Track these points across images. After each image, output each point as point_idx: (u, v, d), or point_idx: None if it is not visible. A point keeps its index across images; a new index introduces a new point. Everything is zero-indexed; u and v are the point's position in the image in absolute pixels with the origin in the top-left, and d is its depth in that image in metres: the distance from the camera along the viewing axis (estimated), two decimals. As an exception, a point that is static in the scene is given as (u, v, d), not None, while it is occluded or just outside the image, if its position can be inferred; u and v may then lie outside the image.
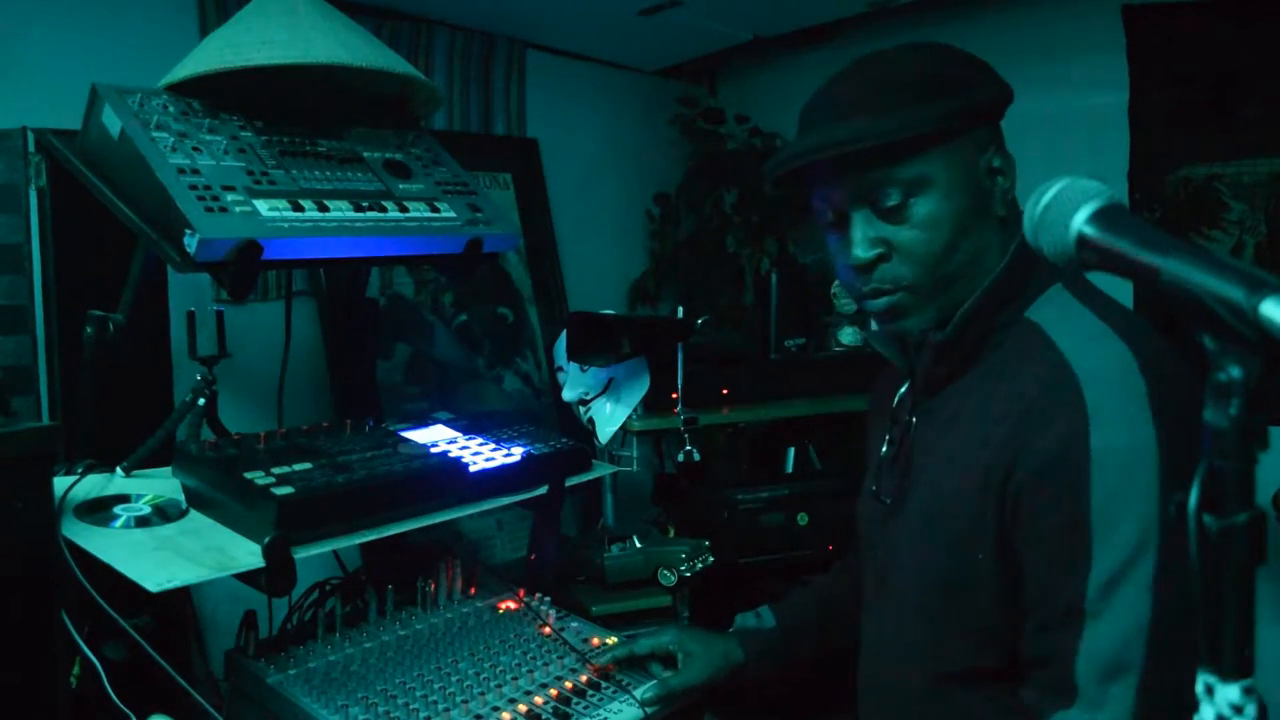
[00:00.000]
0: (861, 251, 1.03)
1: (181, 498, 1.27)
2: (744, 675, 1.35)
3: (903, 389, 1.16)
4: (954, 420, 1.05)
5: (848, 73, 1.07)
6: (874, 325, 1.14)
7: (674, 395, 1.98)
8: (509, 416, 1.76)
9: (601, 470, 1.63)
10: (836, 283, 2.20)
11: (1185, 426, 0.87)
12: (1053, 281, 1.03)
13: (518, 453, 1.44)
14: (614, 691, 1.31)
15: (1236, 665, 0.50)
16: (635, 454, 2.07)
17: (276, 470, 1.20)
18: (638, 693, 1.29)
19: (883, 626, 1.16)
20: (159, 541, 1.15)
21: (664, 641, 1.37)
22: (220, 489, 1.22)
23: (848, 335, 2.26)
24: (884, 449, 1.17)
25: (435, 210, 1.47)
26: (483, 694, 1.25)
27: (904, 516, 1.10)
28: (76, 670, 1.07)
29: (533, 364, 2.53)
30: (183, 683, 1.09)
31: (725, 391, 2.21)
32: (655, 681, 1.32)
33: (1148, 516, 0.85)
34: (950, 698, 1.04)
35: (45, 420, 1.42)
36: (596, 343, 1.86)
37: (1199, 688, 0.51)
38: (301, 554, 1.15)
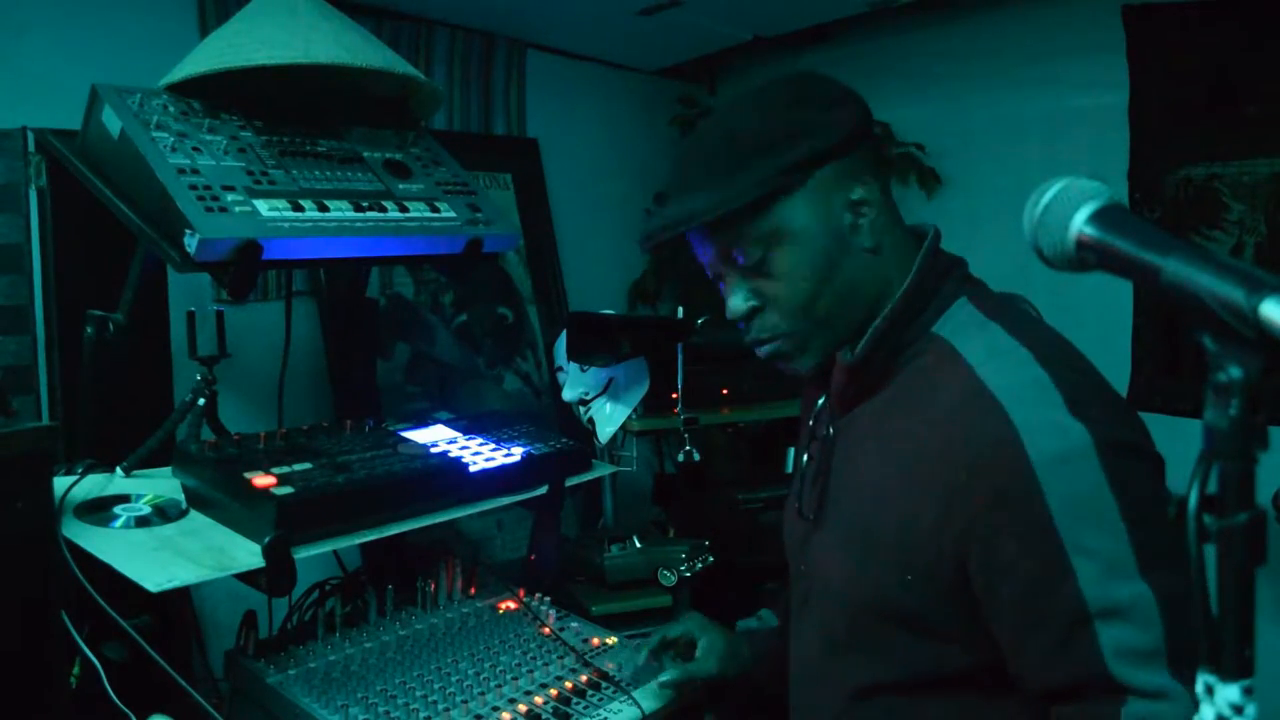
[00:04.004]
0: (736, 305, 1.06)
1: (181, 498, 1.27)
2: (751, 673, 1.34)
3: (820, 401, 1.16)
4: (871, 438, 1.04)
5: (698, 133, 1.09)
6: None
7: (674, 395, 1.98)
8: (509, 416, 1.76)
9: (601, 470, 1.63)
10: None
11: (1112, 417, 0.90)
12: (958, 296, 1.02)
13: (518, 453, 1.44)
14: (614, 691, 1.31)
15: (1236, 665, 0.50)
16: (635, 454, 2.07)
17: (276, 470, 1.20)
18: (662, 676, 1.29)
19: (805, 642, 1.14)
20: (159, 541, 1.15)
21: (690, 628, 1.37)
22: (220, 489, 1.22)
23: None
24: (804, 461, 1.16)
25: (435, 210, 1.47)
26: (483, 694, 1.25)
27: (825, 534, 1.09)
28: (76, 670, 1.08)
29: (533, 364, 2.53)
30: (183, 683, 1.09)
31: (725, 391, 2.21)
32: (678, 668, 1.31)
33: (1109, 512, 0.85)
34: (866, 713, 1.03)
35: (45, 420, 1.42)
36: (596, 343, 1.86)
37: (1199, 688, 0.51)
38: (301, 554, 1.15)
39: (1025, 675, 0.92)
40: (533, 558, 1.79)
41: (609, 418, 1.96)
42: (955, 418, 0.92)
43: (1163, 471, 0.93)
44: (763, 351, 1.08)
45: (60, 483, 1.21)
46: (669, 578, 1.91)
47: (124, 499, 1.24)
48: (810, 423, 1.17)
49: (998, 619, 0.92)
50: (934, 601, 0.95)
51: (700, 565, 1.93)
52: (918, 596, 0.96)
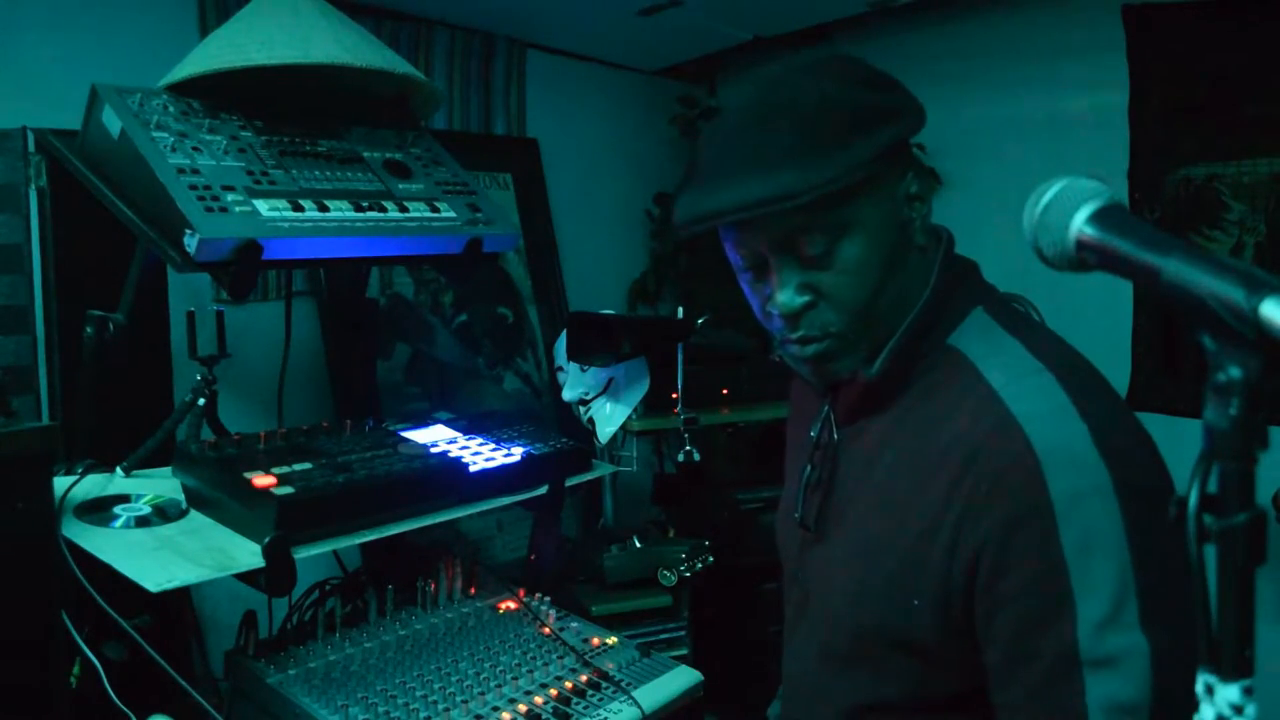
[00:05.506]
0: (788, 300, 0.96)
1: (181, 498, 1.27)
2: None
3: (824, 410, 1.10)
4: (881, 450, 1.00)
5: (754, 109, 0.95)
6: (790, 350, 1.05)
7: (674, 395, 1.98)
8: (509, 416, 1.76)
9: (601, 470, 1.63)
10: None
11: (1136, 455, 0.87)
12: (973, 306, 0.99)
13: (518, 453, 1.44)
14: (614, 691, 1.31)
15: (1236, 665, 0.50)
16: (635, 454, 2.07)
17: (276, 470, 1.20)
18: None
19: (801, 655, 1.11)
20: (159, 541, 1.15)
21: None
22: (220, 489, 1.22)
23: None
24: (806, 471, 1.10)
25: (435, 210, 1.47)
26: (483, 694, 1.25)
27: (828, 547, 1.05)
28: (76, 670, 1.08)
29: (533, 364, 2.53)
30: (183, 683, 1.09)
31: (725, 391, 2.21)
32: None
33: (1121, 555, 0.82)
34: None
35: (45, 420, 1.42)
36: (596, 343, 1.86)
37: (1199, 688, 0.51)
38: (301, 554, 1.15)
39: (1006, 707, 0.89)
40: (533, 558, 1.79)
41: (609, 418, 1.96)
42: (976, 442, 0.89)
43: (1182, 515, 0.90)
44: (808, 351, 0.98)
45: (60, 483, 1.21)
46: (669, 578, 1.91)
47: (124, 499, 1.24)
48: (813, 432, 1.11)
49: (990, 645, 0.89)
50: (938, 628, 0.92)
51: (700, 565, 1.94)
52: (922, 623, 0.93)
